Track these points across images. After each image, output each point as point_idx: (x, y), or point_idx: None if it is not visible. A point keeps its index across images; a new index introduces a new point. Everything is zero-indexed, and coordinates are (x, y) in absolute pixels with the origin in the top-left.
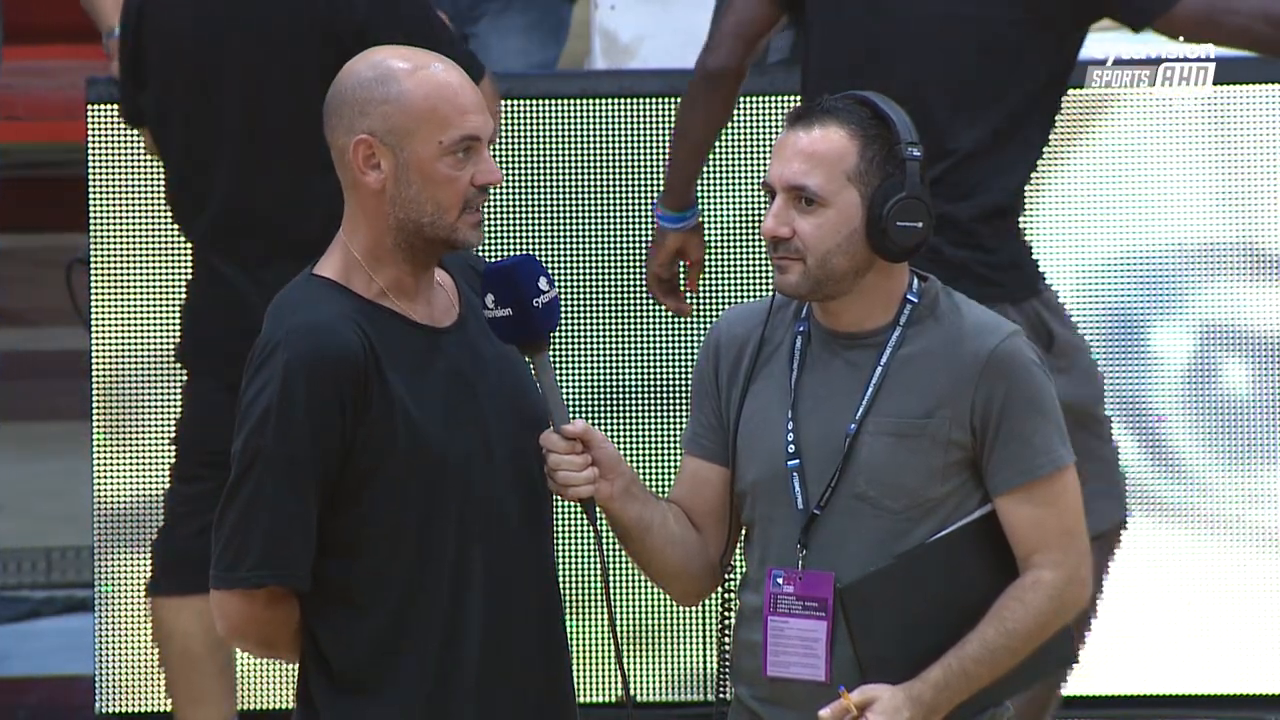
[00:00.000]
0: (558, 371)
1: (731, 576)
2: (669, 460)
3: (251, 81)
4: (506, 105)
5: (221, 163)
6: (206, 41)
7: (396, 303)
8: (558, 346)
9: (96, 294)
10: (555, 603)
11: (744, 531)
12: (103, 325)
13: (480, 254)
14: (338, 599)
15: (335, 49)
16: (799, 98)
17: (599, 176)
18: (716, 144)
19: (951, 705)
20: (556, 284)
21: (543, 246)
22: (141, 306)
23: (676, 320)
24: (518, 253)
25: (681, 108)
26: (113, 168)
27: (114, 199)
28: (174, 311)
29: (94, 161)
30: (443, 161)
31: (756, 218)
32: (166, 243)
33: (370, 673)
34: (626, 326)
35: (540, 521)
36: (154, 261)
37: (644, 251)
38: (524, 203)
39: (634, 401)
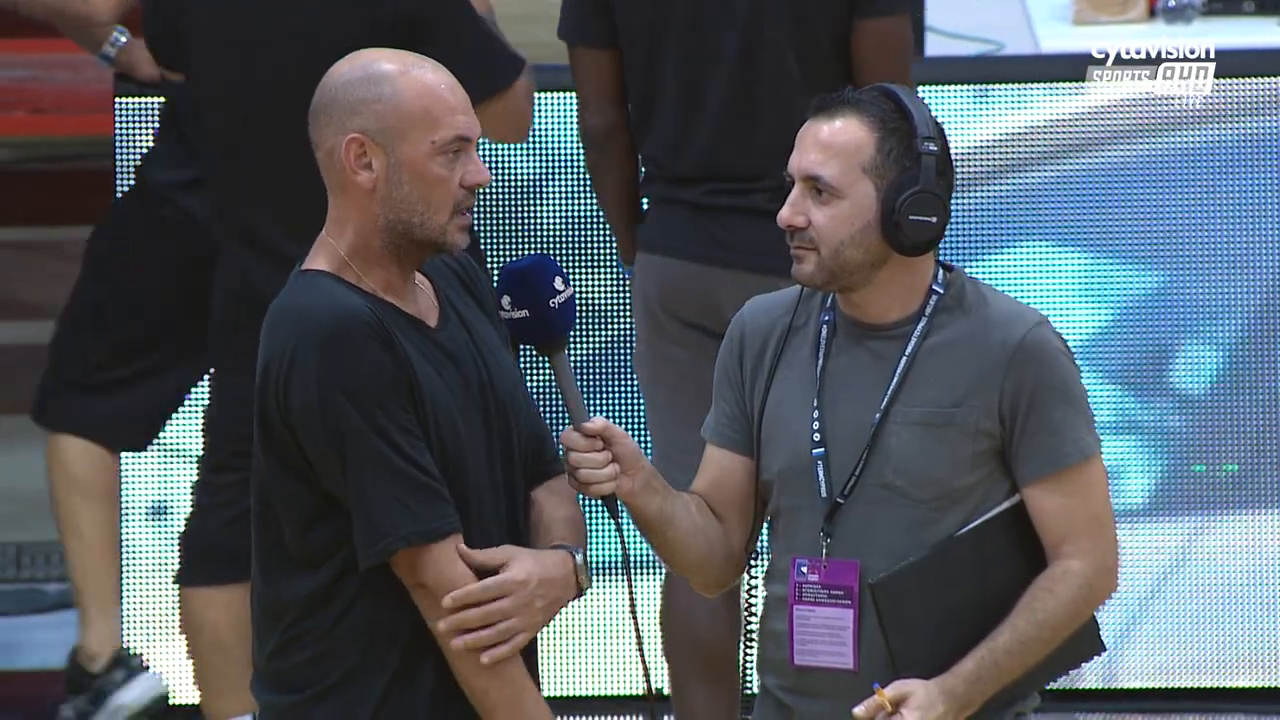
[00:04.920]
0: (575, 366)
1: (756, 564)
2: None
3: (297, 72)
4: None
5: (263, 157)
6: (251, 31)
7: (391, 300)
8: (574, 342)
9: None
10: None
11: (769, 521)
12: None
13: (483, 249)
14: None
15: (384, 41)
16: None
17: None
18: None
19: (984, 698)
20: (572, 279)
21: (558, 242)
22: None
23: None
24: (534, 250)
25: (591, 175)
26: (140, 161)
27: None
28: None
29: (122, 155)
30: (435, 161)
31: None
32: None
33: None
34: None
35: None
36: None
37: None
38: (539, 197)
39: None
